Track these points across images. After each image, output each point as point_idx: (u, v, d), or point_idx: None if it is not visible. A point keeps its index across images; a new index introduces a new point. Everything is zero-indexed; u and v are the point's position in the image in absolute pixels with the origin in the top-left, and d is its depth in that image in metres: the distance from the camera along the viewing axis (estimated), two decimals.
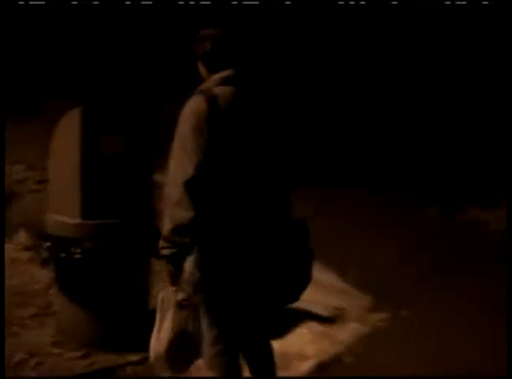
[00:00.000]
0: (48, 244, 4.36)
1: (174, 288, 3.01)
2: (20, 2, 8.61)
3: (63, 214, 4.33)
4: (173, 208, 2.89)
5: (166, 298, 3.04)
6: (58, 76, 9.39)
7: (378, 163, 9.20)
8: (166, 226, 2.92)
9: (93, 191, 4.28)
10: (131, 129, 4.46)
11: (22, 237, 6.14)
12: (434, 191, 8.28)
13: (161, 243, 2.95)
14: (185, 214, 2.86)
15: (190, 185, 2.86)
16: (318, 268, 6.65)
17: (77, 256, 4.17)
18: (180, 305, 3.00)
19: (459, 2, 9.27)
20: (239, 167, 3.06)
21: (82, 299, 4.36)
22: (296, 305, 5.65)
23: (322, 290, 6.07)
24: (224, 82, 3.10)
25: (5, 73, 8.95)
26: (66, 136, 4.32)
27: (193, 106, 2.99)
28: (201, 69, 3.23)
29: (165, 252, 2.94)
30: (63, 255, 4.21)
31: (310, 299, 5.85)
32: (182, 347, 3.04)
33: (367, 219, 7.93)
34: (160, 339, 3.02)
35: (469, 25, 9.73)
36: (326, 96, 9.79)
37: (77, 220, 4.26)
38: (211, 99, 3.00)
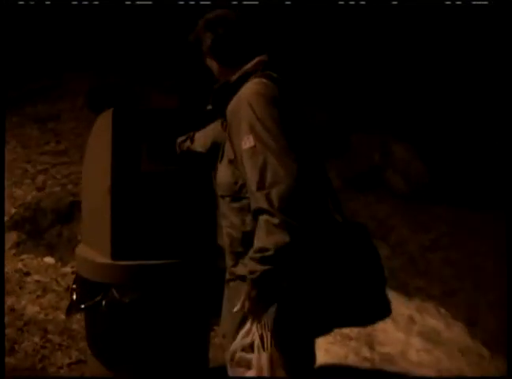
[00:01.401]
0: (74, 286, 3.35)
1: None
2: None
3: (91, 249, 3.31)
4: (281, 216, 2.25)
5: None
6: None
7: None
8: (268, 239, 2.27)
9: (128, 223, 3.18)
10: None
11: None
12: None
13: (254, 266, 2.28)
14: (298, 222, 2.27)
15: (299, 186, 2.28)
16: (442, 317, 5.48)
17: (103, 307, 3.12)
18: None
19: (459, 2, 8.70)
20: (309, 161, 2.47)
21: (111, 360, 3.31)
22: (406, 369, 4.52)
23: (443, 348, 4.90)
24: (264, 68, 2.53)
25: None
26: (97, 146, 3.29)
27: (264, 92, 2.40)
28: (212, 63, 2.64)
29: (261, 275, 2.27)
30: (83, 305, 3.16)
31: (425, 361, 4.69)
32: None
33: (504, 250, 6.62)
34: None
35: (469, 25, 9.22)
36: None
37: (106, 260, 3.19)
38: (277, 82, 2.47)
